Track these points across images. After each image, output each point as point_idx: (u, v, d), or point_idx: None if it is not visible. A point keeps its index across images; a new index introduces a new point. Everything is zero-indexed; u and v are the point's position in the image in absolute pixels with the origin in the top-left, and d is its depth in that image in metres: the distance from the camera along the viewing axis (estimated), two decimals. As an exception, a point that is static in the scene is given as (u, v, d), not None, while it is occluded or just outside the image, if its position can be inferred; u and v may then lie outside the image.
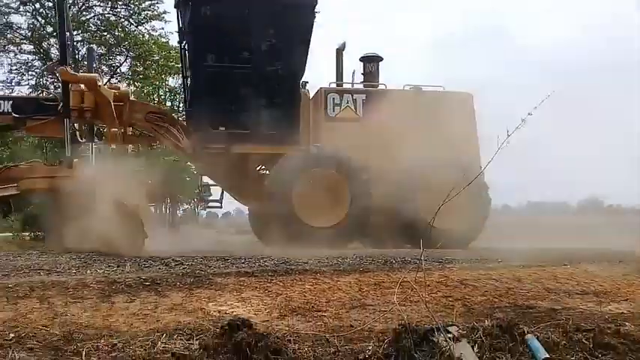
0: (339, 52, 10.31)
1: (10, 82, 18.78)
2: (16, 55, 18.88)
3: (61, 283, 3.98)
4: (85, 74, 8.45)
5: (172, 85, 26.24)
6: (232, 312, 3.58)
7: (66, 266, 4.87)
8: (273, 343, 2.83)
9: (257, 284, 4.15)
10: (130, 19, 19.41)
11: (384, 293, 3.99)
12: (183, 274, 4.40)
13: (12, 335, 3.05)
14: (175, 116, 9.80)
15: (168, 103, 27.80)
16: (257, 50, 8.79)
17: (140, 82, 21.45)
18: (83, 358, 2.82)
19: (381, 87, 9.90)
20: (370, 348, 2.97)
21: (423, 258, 3.70)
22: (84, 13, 19.07)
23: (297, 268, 4.68)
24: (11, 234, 17.28)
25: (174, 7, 9.35)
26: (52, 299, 3.67)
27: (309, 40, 9.03)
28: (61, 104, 8.15)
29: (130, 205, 6.46)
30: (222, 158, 8.79)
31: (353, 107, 9.19)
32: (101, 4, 19.19)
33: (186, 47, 9.42)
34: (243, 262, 5.06)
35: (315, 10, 9.04)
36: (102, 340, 3.06)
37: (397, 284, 3.93)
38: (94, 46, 18.64)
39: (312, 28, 9.03)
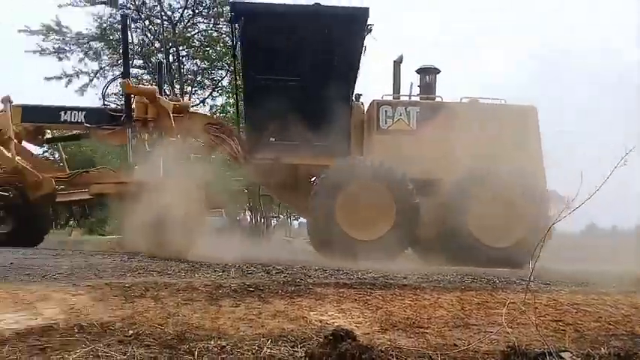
0: (397, 64, 10.18)
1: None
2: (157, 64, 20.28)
3: (172, 284, 4.20)
4: (146, 87, 9.04)
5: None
6: (333, 322, 3.62)
7: (176, 269, 5.14)
8: (377, 356, 2.83)
9: (356, 296, 4.16)
10: (231, 35, 20.28)
11: (489, 313, 3.88)
12: (284, 282, 4.50)
13: (131, 332, 3.25)
14: (234, 128, 10.02)
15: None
16: (307, 63, 8.89)
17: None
18: (195, 357, 2.96)
19: (436, 99, 9.66)
20: (477, 369, 2.90)
21: (530, 279, 3.55)
22: (189, 29, 20.17)
23: (396, 282, 4.65)
24: (100, 235, 18.44)
25: (229, 22, 9.68)
26: (164, 300, 3.87)
27: (360, 54, 9.01)
28: (124, 115, 8.74)
29: (177, 211, 6.60)
30: (272, 169, 8.93)
31: (406, 120, 9.09)
32: (205, 21, 20.19)
33: (239, 61, 9.67)
34: (341, 274, 5.11)
35: (368, 24, 9.02)
36: (212, 342, 3.19)
37: (502, 305, 3.81)
38: (197, 61, 19.66)
39: (363, 41, 8.96)
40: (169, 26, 19.47)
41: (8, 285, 4.06)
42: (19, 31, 18.43)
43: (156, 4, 19.17)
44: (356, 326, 3.58)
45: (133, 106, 8.92)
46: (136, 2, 19.06)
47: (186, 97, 19.36)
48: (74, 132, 9.90)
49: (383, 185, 8.33)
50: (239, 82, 10.26)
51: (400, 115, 9.08)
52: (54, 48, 18.72)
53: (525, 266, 7.85)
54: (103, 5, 18.70)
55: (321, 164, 8.70)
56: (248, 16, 8.88)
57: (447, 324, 3.67)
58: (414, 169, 8.52)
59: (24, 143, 9.64)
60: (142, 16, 19.38)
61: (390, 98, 9.49)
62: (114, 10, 18.76)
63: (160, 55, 19.83)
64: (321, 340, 2.98)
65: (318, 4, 8.88)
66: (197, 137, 9.22)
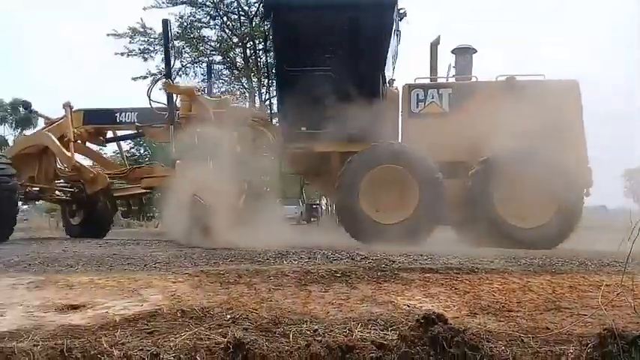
0: (434, 46, 9.96)
1: (203, 90, 20.91)
2: (208, 65, 20.89)
3: (263, 271, 4.39)
4: (185, 86, 9.49)
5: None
6: (421, 307, 3.66)
7: (264, 256, 5.35)
8: (468, 339, 2.85)
9: (443, 281, 4.17)
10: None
11: (581, 296, 3.78)
12: (370, 267, 4.58)
13: (229, 316, 3.44)
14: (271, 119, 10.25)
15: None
16: (337, 52, 8.97)
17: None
18: (291, 340, 3.09)
19: (472, 79, 9.38)
20: (572, 351, 2.85)
21: (628, 260, 3.42)
22: (265, 23, 20.51)
23: (483, 267, 4.61)
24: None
25: (262, 19, 9.66)
26: (257, 285, 4.06)
27: (388, 40, 8.97)
28: (167, 113, 9.08)
29: (203, 201, 7.11)
30: (305, 158, 9.18)
31: (439, 102, 8.99)
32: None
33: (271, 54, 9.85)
34: (425, 259, 5.12)
35: (400, 8, 9.11)
36: (304, 325, 3.32)
37: (596, 287, 3.70)
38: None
39: (391, 27, 8.92)
40: (246, 21, 19.89)
41: (114, 274, 4.40)
42: (108, 34, 19.51)
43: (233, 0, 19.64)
44: (444, 310, 3.59)
45: (179, 104, 9.36)
46: (214, 0, 19.61)
47: (263, 90, 19.85)
48: (129, 131, 10.66)
49: (406, 169, 8.34)
50: (272, 75, 10.39)
51: (432, 98, 9.01)
52: (139, 49, 19.66)
53: (556, 247, 7.83)
54: (184, 5, 19.38)
55: (352, 151, 8.71)
56: (278, 10, 9.15)
57: (538, 307, 3.61)
58: (445, 151, 8.47)
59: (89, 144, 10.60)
60: (220, 13, 19.91)
61: (425, 81, 9.37)
62: (194, 10, 19.41)
63: (237, 50, 20.31)
64: (411, 323, 3.03)
65: None
66: (239, 130, 9.30)
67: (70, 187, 10.70)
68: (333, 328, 3.28)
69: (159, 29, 19.90)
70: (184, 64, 20.28)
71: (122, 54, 19.76)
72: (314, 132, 8.99)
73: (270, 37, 9.58)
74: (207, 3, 19.89)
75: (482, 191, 8.20)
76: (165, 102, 9.27)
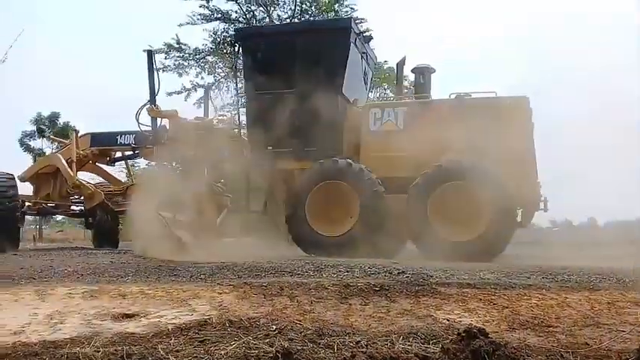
0: (399, 66, 10.45)
1: (237, 105, 21.33)
2: (241, 80, 21.28)
3: (303, 284, 4.53)
4: (167, 110, 10.06)
5: (372, 100, 27.34)
6: (460, 321, 3.75)
7: (303, 269, 5.51)
8: (510, 353, 2.93)
9: (481, 296, 4.25)
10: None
11: (620, 313, 3.82)
12: (408, 282, 4.68)
13: (274, 327, 3.59)
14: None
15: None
16: (298, 76, 9.65)
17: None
18: (335, 351, 3.22)
19: (427, 98, 9.83)
20: (611, 367, 2.92)
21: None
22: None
23: (521, 282, 4.68)
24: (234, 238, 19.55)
25: (231, 46, 10.84)
26: (299, 298, 4.20)
27: (345, 62, 9.49)
28: (151, 136, 9.97)
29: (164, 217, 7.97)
30: (272, 176, 9.87)
31: (394, 120, 9.37)
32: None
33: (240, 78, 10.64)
34: (462, 273, 5.20)
35: (360, 32, 10.00)
36: (347, 337, 3.45)
37: (634, 304, 3.75)
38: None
39: (347, 50, 9.47)
40: (277, 36, 20.28)
41: (162, 284, 4.61)
42: (144, 50, 20.05)
43: (265, 16, 20.03)
44: (483, 325, 3.67)
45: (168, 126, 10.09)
46: (247, 16, 20.04)
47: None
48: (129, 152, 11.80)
49: (348, 184, 8.88)
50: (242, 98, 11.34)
51: (389, 117, 9.39)
52: (174, 64, 20.18)
53: (493, 259, 7.98)
54: (218, 21, 19.87)
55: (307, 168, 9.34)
56: (246, 39, 10.24)
57: (577, 323, 3.66)
58: (398, 167, 8.89)
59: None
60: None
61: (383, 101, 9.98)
62: (227, 25, 19.87)
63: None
64: (453, 337, 3.13)
65: (308, 19, 9.91)
66: (220, 150, 10.07)
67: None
68: (375, 340, 3.39)
69: (193, 44, 20.50)
70: (217, 79, 20.76)
71: (157, 69, 20.29)
72: (279, 150, 9.65)
73: (240, 60, 10.47)
74: (240, 19, 20.36)
75: (418, 205, 8.50)
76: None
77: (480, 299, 4.18)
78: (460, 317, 3.83)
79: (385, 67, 22.70)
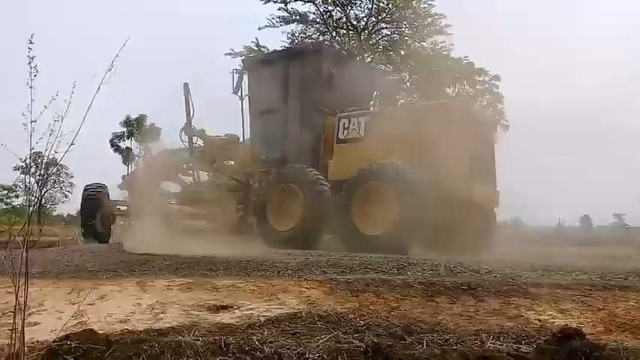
0: None
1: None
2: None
3: (389, 281, 4.57)
4: (197, 130, 12.04)
5: (451, 95, 26.87)
6: (553, 322, 3.66)
7: (387, 267, 5.54)
8: (608, 355, 2.84)
9: (574, 297, 4.12)
10: (414, 37, 20.55)
11: None
12: (496, 281, 4.61)
13: (362, 322, 3.65)
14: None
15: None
16: (282, 95, 11.11)
17: (420, 95, 22.58)
18: (425, 347, 3.24)
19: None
20: None
21: None
22: (372, 36, 20.89)
23: (617, 283, 4.49)
24: None
25: (237, 73, 12.12)
26: (384, 295, 4.24)
27: (318, 80, 10.82)
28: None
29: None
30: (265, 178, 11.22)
31: (357, 128, 10.30)
32: (388, 26, 20.76)
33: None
34: (553, 274, 5.05)
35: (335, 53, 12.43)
36: (435, 335, 3.46)
37: None
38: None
39: (319, 70, 10.79)
40: (355, 35, 20.35)
41: (252, 278, 4.78)
42: (226, 54, 20.77)
43: (342, 15, 20.17)
44: (578, 326, 3.57)
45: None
46: (324, 16, 20.25)
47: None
48: None
49: (298, 186, 10.02)
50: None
51: (354, 126, 10.37)
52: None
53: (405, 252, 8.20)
54: (296, 23, 20.21)
55: None
56: (252, 68, 11.92)
57: (680, 327, 3.48)
58: (355, 172, 9.58)
59: None
60: (330, 28, 20.53)
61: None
62: (305, 27, 20.17)
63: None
64: (547, 337, 3.07)
65: (292, 46, 11.81)
66: (242, 163, 11.94)
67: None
68: (465, 338, 3.38)
69: (272, 47, 20.97)
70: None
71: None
72: (271, 159, 11.18)
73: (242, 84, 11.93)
74: (318, 20, 20.61)
75: (344, 202, 9.44)
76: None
77: (574, 300, 4.05)
78: (553, 318, 3.74)
79: (464, 62, 22.28)
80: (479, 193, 9.28)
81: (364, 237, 8.97)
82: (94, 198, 12.26)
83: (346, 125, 10.46)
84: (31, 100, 2.60)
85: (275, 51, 14.51)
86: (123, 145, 47.08)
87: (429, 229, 8.72)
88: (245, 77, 11.80)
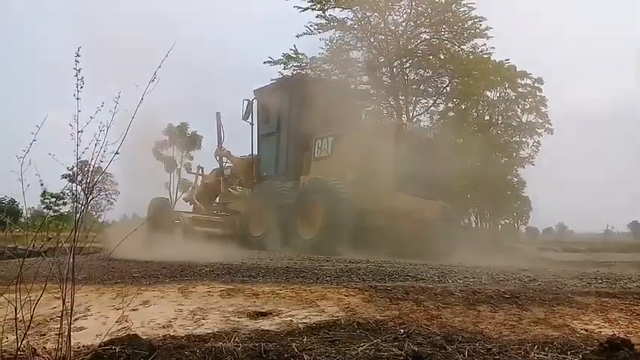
0: None
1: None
2: (356, 86, 21.49)
3: (429, 289, 4.51)
4: (223, 151, 14.45)
5: (492, 99, 26.46)
6: (600, 332, 3.54)
7: (427, 274, 5.47)
8: (658, 367, 2.74)
9: (622, 306, 3.99)
10: (454, 40, 20.31)
11: None
12: (540, 290, 4.49)
13: (402, 331, 3.61)
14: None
15: (487, 117, 28.10)
16: (276, 120, 13.17)
17: (459, 99, 22.31)
18: (466, 357, 3.19)
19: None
20: None
21: None
22: (411, 41, 20.76)
23: (668, 292, 4.32)
24: None
25: (249, 102, 13.88)
26: (425, 302, 4.19)
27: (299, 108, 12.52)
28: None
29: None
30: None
31: (327, 148, 11.99)
32: (427, 30, 20.59)
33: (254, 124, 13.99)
34: (600, 282, 4.89)
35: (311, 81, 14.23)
36: (477, 344, 3.39)
37: None
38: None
39: (305, 97, 12.18)
40: (393, 40, 20.27)
41: (292, 285, 4.80)
42: (264, 62, 21.01)
43: (380, 20, 20.12)
44: (625, 336, 3.44)
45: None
46: (362, 22, 20.25)
47: (410, 107, 20.04)
48: None
49: (268, 199, 11.86)
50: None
51: (324, 145, 12.02)
52: (292, 74, 20.86)
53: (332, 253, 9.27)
54: (334, 30, 20.26)
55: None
56: (259, 97, 13.69)
57: None
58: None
59: None
60: (367, 34, 20.50)
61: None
62: (342, 33, 20.21)
63: (384, 69, 20.73)
64: (593, 347, 2.98)
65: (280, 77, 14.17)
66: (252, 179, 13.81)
67: None
68: (508, 348, 3.30)
69: (310, 54, 21.13)
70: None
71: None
72: (268, 175, 13.09)
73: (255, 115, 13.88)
74: (356, 26, 20.60)
75: (293, 212, 11.25)
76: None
77: (622, 309, 3.92)
78: (600, 328, 3.62)
79: (506, 65, 21.90)
80: (404, 205, 10.45)
81: (303, 240, 10.56)
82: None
83: (320, 145, 12.11)
84: (78, 111, 2.69)
85: (273, 82, 16.36)
86: (165, 152, 47.97)
87: (349, 235, 10.15)
88: (255, 104, 13.74)
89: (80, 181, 3.10)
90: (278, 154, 12.97)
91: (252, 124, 13.71)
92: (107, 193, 49.75)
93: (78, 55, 2.58)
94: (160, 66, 2.97)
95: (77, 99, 2.64)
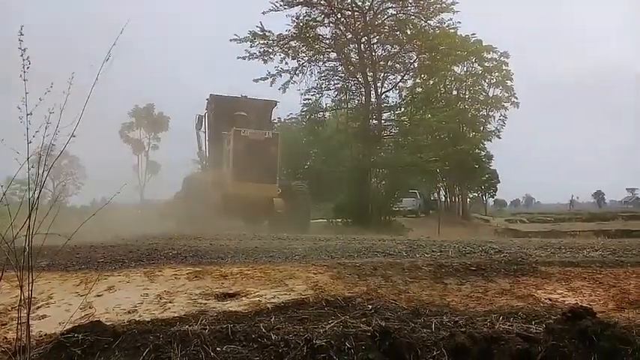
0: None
1: (321, 88, 21.36)
2: (324, 63, 21.27)
3: (397, 264, 4.53)
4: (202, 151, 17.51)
5: (459, 74, 26.54)
6: (564, 301, 3.61)
7: (395, 249, 5.50)
8: (619, 333, 2.79)
9: (585, 275, 4.07)
10: (420, 15, 20.25)
11: None
12: (505, 261, 4.55)
13: (370, 306, 3.62)
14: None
15: (454, 92, 28.22)
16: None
17: (427, 75, 22.36)
18: (433, 330, 3.21)
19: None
20: None
21: None
22: (378, 16, 20.62)
23: (629, 260, 4.42)
24: (325, 220, 19.94)
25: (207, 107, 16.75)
26: (393, 278, 4.21)
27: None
28: None
29: None
30: None
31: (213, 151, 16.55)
32: (393, 5, 20.45)
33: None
34: (565, 252, 4.98)
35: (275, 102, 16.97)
36: (444, 317, 3.42)
37: None
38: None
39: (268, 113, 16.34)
40: (360, 16, 20.10)
41: (260, 265, 4.76)
42: (231, 40, 20.59)
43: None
44: (589, 305, 3.52)
45: None
46: (328, -2, 20.01)
47: (378, 83, 20.05)
48: None
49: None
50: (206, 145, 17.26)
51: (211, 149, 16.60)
52: (259, 52, 20.52)
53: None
54: (300, 6, 19.95)
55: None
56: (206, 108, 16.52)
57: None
58: None
59: None
60: (334, 10, 20.27)
61: None
62: (309, 9, 19.94)
63: (351, 46, 20.57)
64: (557, 317, 3.03)
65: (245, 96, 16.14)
66: None
67: None
68: (475, 320, 3.34)
69: (277, 31, 20.81)
70: (301, 63, 20.92)
71: (244, 58, 20.67)
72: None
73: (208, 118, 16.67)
74: (322, 2, 20.32)
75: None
76: None
77: (585, 278, 4.00)
78: (563, 297, 3.69)
79: (472, 40, 22.02)
80: (241, 189, 13.55)
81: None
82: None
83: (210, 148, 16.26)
84: (26, 93, 2.57)
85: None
86: (132, 135, 46.95)
87: (201, 214, 12.63)
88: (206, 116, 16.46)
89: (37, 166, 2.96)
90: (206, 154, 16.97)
91: (204, 132, 16.71)
92: (75, 177, 48.68)
93: (21, 34, 2.45)
94: (114, 44, 2.86)
95: (24, 80, 2.51)
